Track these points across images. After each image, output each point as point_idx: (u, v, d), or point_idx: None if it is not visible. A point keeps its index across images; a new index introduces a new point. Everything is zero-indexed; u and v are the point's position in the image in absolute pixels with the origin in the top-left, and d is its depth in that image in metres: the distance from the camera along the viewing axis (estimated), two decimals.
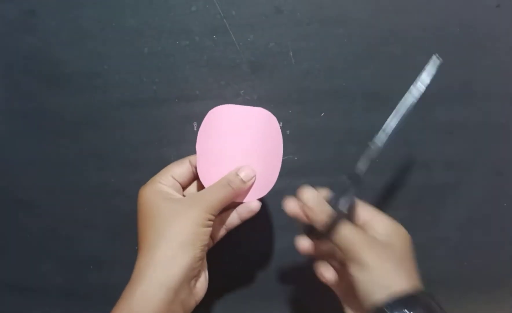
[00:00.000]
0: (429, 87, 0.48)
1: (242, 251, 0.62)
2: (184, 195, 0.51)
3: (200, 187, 0.52)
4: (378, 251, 0.44)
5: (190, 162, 0.52)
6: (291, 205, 0.49)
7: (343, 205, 0.47)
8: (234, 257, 0.62)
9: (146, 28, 0.57)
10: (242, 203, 0.51)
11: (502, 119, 0.60)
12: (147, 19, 0.57)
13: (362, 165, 0.49)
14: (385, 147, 0.49)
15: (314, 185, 0.60)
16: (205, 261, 0.50)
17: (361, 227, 0.48)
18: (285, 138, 0.59)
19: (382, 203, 0.61)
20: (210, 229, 0.47)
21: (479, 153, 0.61)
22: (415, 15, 0.57)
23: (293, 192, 0.60)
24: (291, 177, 0.60)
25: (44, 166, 0.62)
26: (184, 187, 0.52)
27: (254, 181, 0.51)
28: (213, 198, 0.47)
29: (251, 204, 0.51)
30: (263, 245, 0.63)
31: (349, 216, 0.47)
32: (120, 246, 0.63)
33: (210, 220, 0.46)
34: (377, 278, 0.43)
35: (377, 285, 0.43)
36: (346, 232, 0.45)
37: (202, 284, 0.49)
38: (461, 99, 0.60)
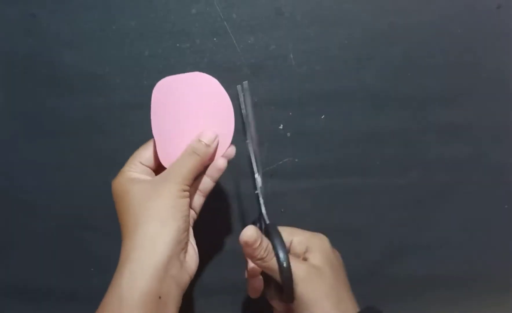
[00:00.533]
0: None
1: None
2: None
3: None
4: (320, 284, 0.47)
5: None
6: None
7: (281, 249, 0.47)
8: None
9: (147, 31, 0.57)
10: None
11: (502, 119, 0.60)
12: (148, 22, 0.56)
13: (265, 214, 0.51)
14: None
15: (314, 187, 0.60)
16: (190, 233, 0.49)
17: (302, 256, 0.50)
18: (286, 140, 0.59)
19: (382, 203, 0.61)
20: (188, 199, 0.47)
21: (479, 153, 0.61)
22: (415, 15, 0.57)
23: (294, 193, 0.61)
24: (291, 179, 0.60)
25: (44, 167, 0.62)
26: (156, 171, 0.51)
27: (218, 142, 0.50)
28: (182, 170, 0.46)
29: (217, 162, 0.50)
30: None
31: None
32: (120, 247, 0.63)
33: (184, 191, 0.46)
34: (325, 311, 0.46)
35: None
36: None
37: (192, 256, 0.48)
38: (461, 99, 0.60)
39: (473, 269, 0.63)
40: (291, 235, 0.51)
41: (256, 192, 0.51)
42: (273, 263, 0.47)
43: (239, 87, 0.50)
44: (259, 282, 0.52)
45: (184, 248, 0.47)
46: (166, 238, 0.43)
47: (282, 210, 0.61)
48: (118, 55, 0.57)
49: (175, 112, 0.50)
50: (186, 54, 0.57)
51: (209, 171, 0.51)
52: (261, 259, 0.47)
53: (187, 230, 0.47)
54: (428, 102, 0.60)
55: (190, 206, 0.50)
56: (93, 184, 0.62)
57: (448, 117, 0.60)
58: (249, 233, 0.46)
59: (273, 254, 0.47)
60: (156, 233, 0.43)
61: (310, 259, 0.49)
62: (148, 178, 0.49)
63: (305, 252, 0.50)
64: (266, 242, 0.47)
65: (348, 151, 0.60)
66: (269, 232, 0.49)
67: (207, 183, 0.51)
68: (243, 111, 0.50)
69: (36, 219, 0.63)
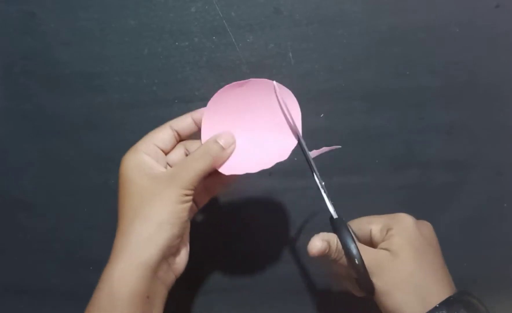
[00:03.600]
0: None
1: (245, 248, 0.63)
2: (167, 165, 0.49)
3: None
4: (394, 272, 0.44)
5: (170, 127, 0.49)
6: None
7: (351, 246, 0.45)
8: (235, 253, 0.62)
9: (146, 29, 0.57)
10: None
11: (502, 119, 0.60)
12: (147, 20, 0.57)
13: (332, 210, 0.48)
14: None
15: (313, 186, 0.60)
16: (186, 235, 0.49)
17: (375, 245, 0.48)
18: None
19: (382, 203, 0.61)
20: (189, 204, 0.46)
21: (479, 153, 0.61)
22: (415, 15, 0.57)
23: (293, 192, 0.61)
24: (290, 178, 0.60)
25: (43, 167, 0.62)
26: (166, 153, 0.50)
27: (234, 148, 0.48)
28: (191, 172, 0.45)
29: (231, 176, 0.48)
30: (266, 244, 0.63)
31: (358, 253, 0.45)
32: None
33: (188, 195, 0.45)
34: (403, 300, 0.44)
35: (405, 306, 0.43)
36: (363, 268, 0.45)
37: (181, 258, 0.48)
38: (461, 99, 0.60)
39: (473, 269, 0.62)
40: (369, 223, 0.49)
41: (321, 186, 0.49)
42: (344, 260, 0.45)
43: (275, 83, 0.48)
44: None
45: (175, 252, 0.47)
46: (159, 242, 0.43)
47: (282, 210, 0.61)
48: (117, 54, 0.58)
49: (234, 117, 0.49)
50: (185, 53, 0.57)
51: (222, 178, 0.49)
52: (334, 260, 0.46)
53: (182, 236, 0.47)
54: (428, 102, 0.60)
55: (194, 201, 0.49)
56: (93, 184, 0.62)
57: (448, 117, 0.60)
58: (316, 245, 0.44)
59: (343, 252, 0.45)
60: (150, 235, 0.43)
61: (387, 244, 0.46)
62: (158, 168, 0.47)
63: (385, 239, 0.48)
64: (334, 244, 0.45)
65: (347, 150, 0.60)
66: (337, 227, 0.47)
67: (217, 187, 0.51)
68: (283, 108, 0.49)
69: (35, 219, 0.63)
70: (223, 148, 0.47)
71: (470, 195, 0.62)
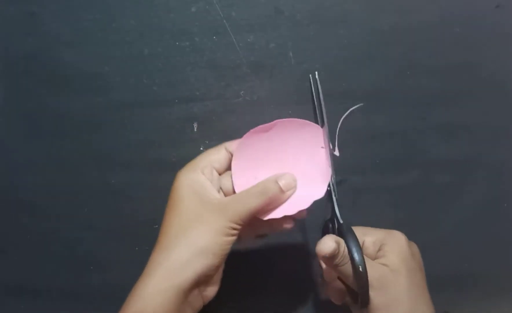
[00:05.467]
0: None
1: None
2: (220, 188, 0.48)
3: None
4: (393, 289, 0.45)
5: (226, 148, 0.48)
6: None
7: (358, 253, 0.44)
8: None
9: (147, 29, 0.57)
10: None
11: (502, 120, 0.60)
12: (148, 20, 0.57)
13: (339, 214, 0.48)
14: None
15: None
16: (222, 267, 0.47)
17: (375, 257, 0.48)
18: None
19: (382, 203, 0.61)
20: (234, 238, 0.45)
21: (479, 153, 0.61)
22: (415, 15, 0.57)
23: None
24: None
25: (44, 166, 0.62)
26: (220, 173, 0.49)
27: (293, 192, 0.47)
28: (243, 207, 0.44)
29: (284, 222, 0.47)
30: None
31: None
32: (120, 246, 0.63)
33: (235, 229, 0.44)
34: None
35: None
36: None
37: (213, 287, 0.47)
38: (461, 99, 0.60)
39: (473, 269, 0.62)
40: (363, 234, 0.49)
41: (328, 189, 0.48)
42: (347, 267, 0.44)
43: (311, 76, 0.49)
44: (339, 284, 0.50)
45: (209, 281, 0.46)
46: (198, 268, 0.43)
47: None
48: (118, 54, 0.58)
49: (264, 153, 0.48)
50: (186, 53, 0.57)
51: (273, 221, 0.47)
52: (337, 264, 0.44)
53: (220, 266, 0.46)
54: (428, 102, 0.60)
55: (239, 236, 0.48)
56: (93, 184, 0.62)
57: (448, 117, 0.60)
58: (329, 245, 0.43)
59: (347, 258, 0.44)
60: (189, 260, 0.43)
61: (384, 260, 0.46)
62: (211, 191, 0.46)
63: (378, 252, 0.48)
64: (343, 247, 0.44)
65: (348, 151, 0.60)
66: (343, 233, 0.46)
67: (263, 229, 0.49)
68: (316, 102, 0.49)
69: (36, 219, 0.63)
70: (282, 190, 0.46)
71: (470, 195, 0.62)
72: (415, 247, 0.50)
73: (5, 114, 0.60)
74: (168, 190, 0.60)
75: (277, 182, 0.46)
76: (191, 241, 0.43)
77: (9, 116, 0.61)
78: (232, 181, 0.48)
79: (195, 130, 0.59)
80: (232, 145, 0.49)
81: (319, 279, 0.52)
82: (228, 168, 0.49)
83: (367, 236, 0.49)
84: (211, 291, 0.47)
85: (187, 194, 0.45)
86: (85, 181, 0.62)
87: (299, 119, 0.49)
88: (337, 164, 0.60)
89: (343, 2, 0.57)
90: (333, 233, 0.48)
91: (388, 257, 0.46)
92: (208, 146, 0.59)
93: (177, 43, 0.57)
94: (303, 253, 0.62)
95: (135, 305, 0.42)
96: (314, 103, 0.50)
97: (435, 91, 0.59)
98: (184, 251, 0.43)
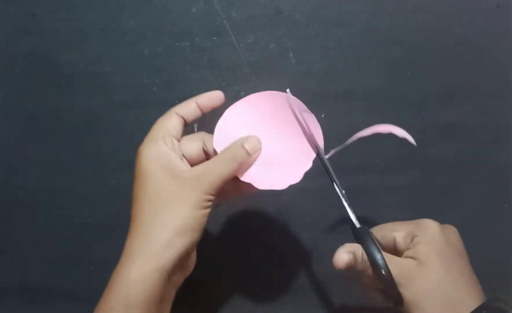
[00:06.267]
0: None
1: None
2: (183, 156, 0.47)
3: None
4: (422, 282, 0.43)
5: (176, 113, 0.47)
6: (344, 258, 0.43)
7: (377, 256, 0.44)
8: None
9: (147, 30, 0.57)
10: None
11: (502, 119, 0.60)
12: (148, 21, 0.57)
13: (355, 219, 0.47)
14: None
15: (314, 186, 0.60)
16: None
17: (399, 253, 0.46)
18: None
19: (382, 203, 0.61)
20: (210, 210, 0.44)
21: (479, 153, 0.61)
22: (415, 15, 0.57)
23: (293, 192, 0.60)
24: None
25: (44, 166, 0.62)
26: (178, 140, 0.48)
27: (259, 154, 0.46)
28: (215, 177, 0.43)
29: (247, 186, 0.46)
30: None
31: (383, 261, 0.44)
32: (120, 246, 0.62)
33: (210, 200, 0.43)
34: (433, 311, 0.42)
35: None
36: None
37: (192, 261, 0.47)
38: (461, 99, 0.60)
39: (473, 269, 0.62)
40: (392, 231, 0.48)
41: (341, 195, 0.48)
42: (370, 271, 0.43)
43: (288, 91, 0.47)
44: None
45: (189, 257, 0.46)
46: (179, 248, 0.42)
47: (281, 209, 0.61)
48: (118, 54, 0.58)
49: (248, 127, 0.47)
50: (186, 53, 0.57)
51: (239, 185, 0.47)
52: (360, 271, 0.43)
53: (198, 241, 0.45)
54: (428, 102, 0.60)
55: None
56: (93, 184, 0.62)
57: (448, 117, 0.60)
58: (343, 258, 0.42)
59: (368, 263, 0.43)
60: (170, 241, 0.42)
61: (413, 252, 0.44)
62: (178, 164, 0.44)
63: (410, 247, 0.46)
64: (360, 255, 0.43)
65: (348, 151, 0.60)
66: (361, 238, 0.45)
67: (230, 193, 0.48)
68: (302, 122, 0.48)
69: (36, 219, 0.63)
70: (249, 153, 0.45)
71: (470, 195, 0.62)
72: (451, 232, 0.48)
73: (5, 114, 0.60)
74: None
75: (243, 146, 0.45)
76: (168, 220, 0.42)
77: (9, 116, 0.61)
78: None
79: (195, 130, 0.59)
80: (182, 108, 0.47)
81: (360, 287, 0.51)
82: (183, 133, 0.48)
83: (397, 231, 0.48)
84: (190, 266, 0.47)
85: (155, 170, 0.44)
86: (85, 181, 0.62)
87: (285, 93, 0.48)
88: (337, 164, 0.60)
89: (343, 2, 0.57)
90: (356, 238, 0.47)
91: (417, 249, 0.45)
92: None
93: (177, 44, 0.57)
94: (305, 254, 0.62)
95: (119, 292, 0.41)
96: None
97: (435, 91, 0.59)
98: (163, 232, 0.42)
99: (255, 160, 0.46)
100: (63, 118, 0.60)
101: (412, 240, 0.46)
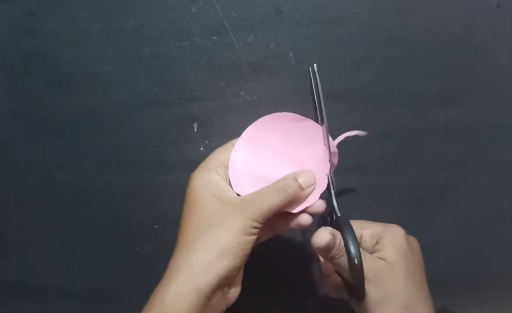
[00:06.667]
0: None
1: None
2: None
3: None
4: (390, 283, 0.44)
5: (233, 146, 0.48)
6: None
7: (353, 245, 0.44)
8: None
9: (147, 29, 0.57)
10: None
11: (502, 119, 0.60)
12: (148, 20, 0.57)
13: (336, 207, 0.48)
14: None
15: None
16: (243, 267, 0.46)
17: (373, 251, 0.48)
18: None
19: (382, 204, 0.61)
20: (255, 237, 0.44)
21: (479, 153, 0.61)
22: (415, 15, 0.57)
23: None
24: None
25: (44, 166, 0.62)
26: None
27: (313, 189, 0.46)
28: (263, 205, 0.43)
29: (301, 217, 0.46)
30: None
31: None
32: (120, 246, 0.63)
33: (256, 228, 0.43)
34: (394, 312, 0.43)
35: None
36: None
37: (236, 289, 0.46)
38: (461, 99, 0.60)
39: (473, 269, 0.62)
40: (361, 228, 0.49)
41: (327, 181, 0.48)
42: (343, 259, 0.44)
43: (310, 69, 0.48)
44: (336, 278, 0.49)
45: (231, 282, 0.45)
46: (220, 270, 0.42)
47: None
48: (118, 54, 0.58)
49: (267, 148, 0.48)
50: (186, 53, 0.57)
51: (290, 219, 0.46)
52: (333, 257, 0.44)
53: (242, 268, 0.45)
54: (428, 102, 0.59)
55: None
56: (93, 184, 0.62)
57: (448, 117, 0.60)
58: (323, 237, 0.42)
59: (344, 250, 0.44)
60: (211, 263, 0.41)
61: (382, 254, 0.46)
62: (228, 191, 0.45)
63: (375, 246, 0.47)
64: (339, 240, 0.44)
65: (348, 151, 0.60)
66: (340, 225, 0.45)
67: (281, 227, 0.48)
68: (315, 95, 0.48)
69: (36, 219, 0.63)
70: (301, 188, 0.45)
71: (470, 195, 0.62)
72: (414, 241, 0.49)
73: (5, 114, 0.60)
74: (169, 190, 0.60)
75: (296, 179, 0.45)
76: (212, 242, 0.42)
77: (9, 116, 0.61)
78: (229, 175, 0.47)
79: (195, 130, 0.59)
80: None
81: (316, 272, 0.51)
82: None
83: (365, 229, 0.49)
84: (234, 292, 0.46)
85: (204, 195, 0.44)
86: (85, 181, 0.62)
87: (299, 115, 0.49)
88: (337, 166, 0.60)
89: (343, 2, 0.57)
90: (331, 226, 0.47)
91: (386, 251, 0.46)
92: (208, 146, 0.59)
93: (177, 43, 0.57)
94: (302, 251, 0.62)
95: (156, 310, 0.41)
96: (314, 98, 0.49)
97: (435, 91, 0.59)
98: (205, 253, 0.42)
99: (308, 195, 0.46)
100: (63, 118, 0.60)
101: (377, 241, 0.47)
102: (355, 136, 0.50)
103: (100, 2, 0.56)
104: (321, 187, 0.47)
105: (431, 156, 0.61)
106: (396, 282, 0.44)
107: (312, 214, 0.47)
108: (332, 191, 0.48)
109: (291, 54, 0.57)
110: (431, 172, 0.61)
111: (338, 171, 0.60)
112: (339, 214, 0.47)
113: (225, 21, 0.57)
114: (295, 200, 0.45)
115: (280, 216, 0.46)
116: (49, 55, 0.58)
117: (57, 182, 0.62)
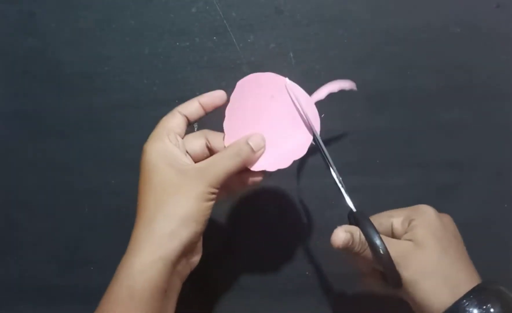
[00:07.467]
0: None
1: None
2: (187, 153, 0.48)
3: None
4: (421, 262, 0.44)
5: (179, 112, 0.48)
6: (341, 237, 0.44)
7: (375, 236, 0.44)
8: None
9: (147, 29, 0.57)
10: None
11: (502, 119, 0.60)
12: (147, 20, 0.57)
13: (351, 204, 0.48)
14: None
15: (314, 186, 0.60)
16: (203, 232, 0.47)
17: (397, 238, 0.47)
18: None
19: (382, 203, 0.61)
20: (213, 202, 0.45)
21: (479, 153, 0.61)
22: (415, 15, 0.57)
23: (293, 192, 0.61)
24: (291, 178, 0.60)
25: (44, 166, 0.62)
26: (182, 137, 0.49)
27: (263, 152, 0.48)
28: (219, 170, 0.44)
29: (255, 177, 0.48)
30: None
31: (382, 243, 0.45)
32: (120, 246, 0.62)
33: (214, 193, 0.44)
34: (432, 290, 0.43)
35: (434, 296, 0.43)
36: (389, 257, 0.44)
37: (198, 253, 0.47)
38: (461, 99, 0.60)
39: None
40: (390, 217, 0.49)
41: (339, 181, 0.49)
42: (368, 252, 0.44)
43: (287, 81, 0.48)
44: (373, 272, 0.50)
45: (194, 249, 0.46)
46: (183, 238, 0.43)
47: (281, 209, 0.61)
48: (118, 54, 0.58)
49: (252, 110, 0.49)
50: (186, 53, 0.57)
51: (244, 177, 0.48)
52: (357, 252, 0.45)
53: (203, 233, 0.46)
54: (428, 102, 0.59)
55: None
56: (93, 184, 0.62)
57: (449, 117, 0.60)
58: (339, 236, 0.44)
59: (366, 244, 0.44)
60: (173, 231, 0.42)
61: (410, 235, 0.45)
62: (183, 159, 0.46)
63: (407, 231, 0.47)
64: (358, 235, 0.44)
65: (348, 151, 0.60)
66: (359, 220, 0.46)
67: (237, 187, 0.49)
68: (298, 106, 0.49)
69: (36, 219, 0.63)
70: (253, 150, 0.47)
71: (470, 195, 0.62)
72: (446, 218, 0.49)
73: (5, 114, 0.60)
74: None
75: (248, 143, 0.46)
76: (173, 211, 0.43)
77: (9, 116, 0.61)
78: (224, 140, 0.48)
79: (195, 130, 0.59)
80: (185, 108, 0.49)
81: (357, 271, 0.52)
82: (186, 131, 0.49)
83: (394, 217, 0.49)
84: (196, 258, 0.47)
85: (160, 165, 0.45)
86: (85, 181, 0.62)
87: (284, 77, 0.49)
88: (337, 164, 0.60)
89: (343, 2, 0.57)
90: (352, 225, 0.47)
91: (414, 232, 0.46)
92: None
93: (177, 43, 0.57)
94: (308, 249, 0.62)
95: (124, 283, 0.42)
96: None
97: (435, 91, 0.59)
98: (168, 223, 0.43)
99: (259, 156, 0.48)
100: (63, 118, 0.60)
101: (409, 224, 0.47)
102: (340, 90, 0.51)
103: (100, 2, 0.56)
104: (298, 153, 0.49)
105: (431, 156, 0.61)
106: (428, 260, 0.44)
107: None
108: (343, 189, 0.49)
109: (291, 54, 0.58)
110: (431, 172, 0.61)
111: (338, 171, 0.60)
112: (354, 210, 0.48)
113: (225, 21, 0.57)
114: (248, 163, 0.47)
115: (234, 178, 0.47)
116: (49, 55, 0.58)
117: (57, 182, 0.62)
